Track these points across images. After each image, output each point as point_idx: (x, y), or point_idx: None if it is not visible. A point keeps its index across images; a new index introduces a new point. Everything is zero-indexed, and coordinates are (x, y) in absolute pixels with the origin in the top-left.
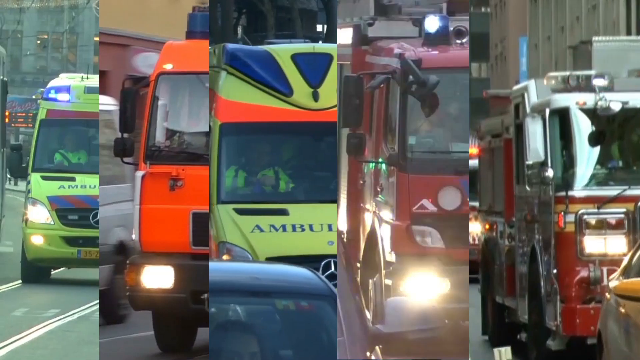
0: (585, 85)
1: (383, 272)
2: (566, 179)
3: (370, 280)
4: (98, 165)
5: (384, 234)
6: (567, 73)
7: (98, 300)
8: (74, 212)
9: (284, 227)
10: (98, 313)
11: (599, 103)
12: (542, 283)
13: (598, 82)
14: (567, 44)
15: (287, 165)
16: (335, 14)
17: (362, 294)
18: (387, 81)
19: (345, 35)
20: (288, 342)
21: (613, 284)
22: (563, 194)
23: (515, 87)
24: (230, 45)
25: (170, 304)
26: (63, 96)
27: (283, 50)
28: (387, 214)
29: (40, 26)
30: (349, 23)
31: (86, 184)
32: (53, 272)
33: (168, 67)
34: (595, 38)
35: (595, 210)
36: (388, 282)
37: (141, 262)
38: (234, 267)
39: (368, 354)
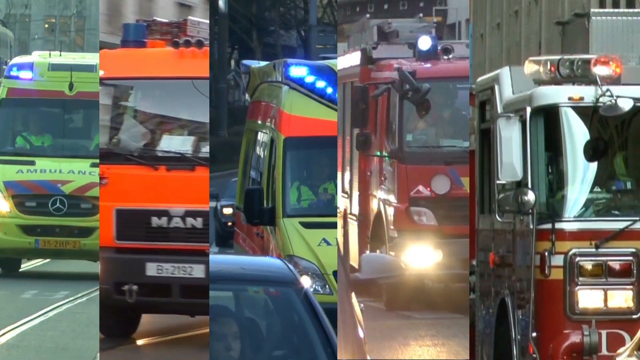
0: (581, 75)
1: (387, 245)
2: (553, 206)
3: (378, 251)
4: (65, 149)
5: (388, 214)
6: (557, 57)
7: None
8: (32, 199)
9: None
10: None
11: (601, 99)
12: (515, 352)
13: (600, 70)
14: (522, 31)
15: None
16: (312, 49)
17: None
18: (388, 90)
19: (354, 57)
20: (261, 323)
21: None
22: (548, 226)
23: (482, 78)
24: (292, 60)
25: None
26: (25, 74)
27: None
28: (390, 198)
29: (48, 10)
30: (358, 48)
31: (46, 169)
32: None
33: (100, 73)
34: (594, 10)
35: (593, 249)
36: (392, 253)
37: None
38: (226, 259)
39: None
